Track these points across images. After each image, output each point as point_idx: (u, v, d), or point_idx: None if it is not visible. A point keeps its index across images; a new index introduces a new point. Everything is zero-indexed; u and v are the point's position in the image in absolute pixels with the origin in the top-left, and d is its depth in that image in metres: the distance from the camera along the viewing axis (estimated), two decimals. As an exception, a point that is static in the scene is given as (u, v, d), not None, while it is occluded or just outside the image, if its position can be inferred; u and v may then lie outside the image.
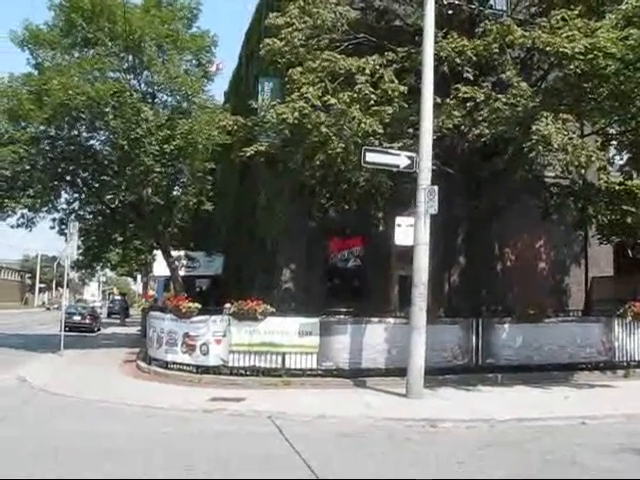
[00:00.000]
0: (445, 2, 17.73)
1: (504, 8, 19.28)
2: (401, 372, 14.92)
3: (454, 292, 20.17)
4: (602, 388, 16.27)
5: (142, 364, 18.75)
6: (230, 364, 16.39)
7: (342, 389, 15.47)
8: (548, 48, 15.16)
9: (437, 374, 16.01)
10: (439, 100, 15.78)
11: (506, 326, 17.65)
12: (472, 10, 18.64)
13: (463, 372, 16.85)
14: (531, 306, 17.76)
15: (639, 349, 18.56)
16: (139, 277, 75.47)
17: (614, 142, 19.03)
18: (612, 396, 15.18)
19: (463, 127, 16.06)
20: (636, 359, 18.54)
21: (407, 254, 15.23)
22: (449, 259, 20.23)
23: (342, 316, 17.40)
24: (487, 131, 15.61)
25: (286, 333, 16.30)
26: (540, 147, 14.97)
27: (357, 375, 16.28)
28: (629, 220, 19.27)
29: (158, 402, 13.37)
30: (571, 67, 14.93)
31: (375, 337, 16.59)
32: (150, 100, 24.01)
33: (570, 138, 14.66)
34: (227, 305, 16.78)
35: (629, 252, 22.72)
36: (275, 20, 17.70)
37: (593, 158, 15.23)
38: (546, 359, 17.64)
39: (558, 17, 15.64)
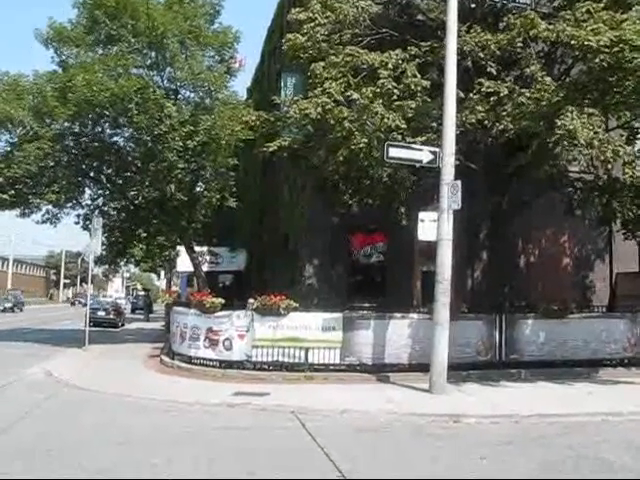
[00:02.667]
0: (468, -4, 17.74)
1: (528, 1, 19.18)
2: (424, 367, 14.90)
3: (477, 288, 20.12)
4: (626, 385, 16.10)
5: (166, 359, 18.87)
6: (253, 359, 16.45)
7: (365, 384, 15.46)
8: (573, 41, 14.97)
9: (460, 370, 15.96)
10: (462, 95, 15.68)
11: (530, 322, 17.57)
12: (495, 3, 18.51)
13: (486, 368, 16.79)
14: (555, 302, 17.67)
15: (666, 345, 18.35)
16: (162, 273, 75.91)
17: (640, 136, 18.88)
18: (637, 392, 15.04)
19: (486, 122, 15.91)
20: (663, 355, 18.34)
21: (430, 250, 15.21)
22: (472, 255, 20.17)
23: (365, 311, 17.40)
24: (511, 126, 15.46)
25: (309, 328, 16.32)
26: (565, 142, 14.87)
27: (380, 370, 16.24)
28: (659, 214, 19.09)
29: (182, 396, 13.45)
30: (596, 60, 14.71)
31: (398, 332, 16.56)
32: (173, 96, 24.13)
33: (596, 132, 14.47)
34: (250, 300, 16.81)
35: (656, 247, 22.49)
36: (297, 15, 17.70)
37: (620, 153, 15.05)
38: (570, 355, 17.55)
39: (583, 10, 15.43)
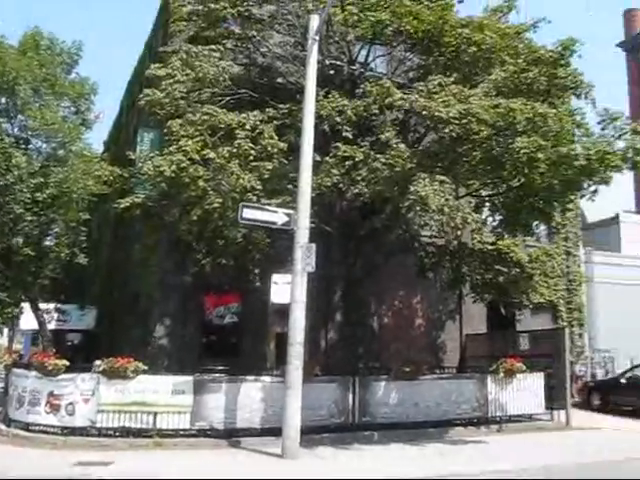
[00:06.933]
0: (327, 62, 18.16)
1: (384, 71, 19.90)
2: (277, 431, 14.58)
3: (331, 349, 20.14)
4: (476, 444, 16.47)
5: (1, 427, 17.53)
6: (98, 425, 15.52)
7: (216, 450, 14.95)
8: (425, 112, 15.57)
9: (314, 433, 15.72)
10: (319, 158, 15.88)
11: (382, 384, 17.69)
12: (353, 71, 19.11)
13: (340, 431, 16.67)
14: (407, 363, 17.94)
15: (511, 404, 19.02)
16: (6, 330, 71.79)
17: (487, 204, 19.69)
18: (485, 451, 15.42)
19: (342, 185, 16.18)
20: (509, 414, 19.02)
21: (285, 311, 15.05)
22: (327, 316, 20.24)
23: (217, 374, 16.94)
24: (365, 190, 15.77)
25: (158, 392, 15.62)
26: (417, 207, 15.25)
27: (232, 435, 15.76)
28: (500, 279, 19.86)
29: (15, 468, 12.43)
30: (446, 130, 15.41)
31: (251, 396, 16.18)
32: (23, 146, 23.04)
33: (446, 199, 14.97)
34: (97, 362, 15.99)
35: (501, 310, 23.39)
36: (156, 71, 17.49)
37: (469, 220, 15.64)
38: (422, 416, 17.76)
39: (435, 82, 16.23)
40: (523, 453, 15.01)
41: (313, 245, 14.13)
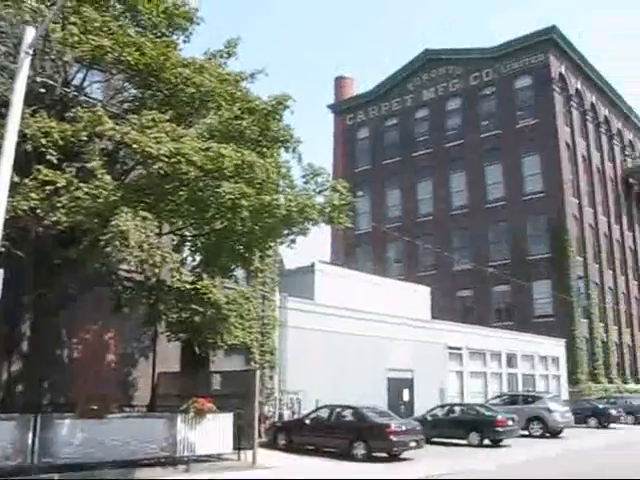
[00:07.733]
0: (39, 80, 17.26)
1: (100, 98, 19.38)
2: None
3: (14, 383, 18.80)
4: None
5: None
6: None
7: None
8: (135, 145, 15.40)
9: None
10: (17, 179, 14.95)
11: (67, 422, 16.94)
12: (67, 93, 18.36)
13: (17, 474, 15.60)
14: (95, 401, 17.41)
15: (201, 443, 19.23)
16: None
17: (188, 243, 19.88)
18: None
19: (40, 211, 15.37)
20: (197, 453, 19.25)
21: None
22: (11, 347, 18.88)
23: None
24: (65, 218, 15.12)
25: None
26: (117, 242, 14.92)
27: None
28: (197, 319, 20.05)
29: None
30: (155, 167, 15.37)
31: None
32: None
33: (147, 236, 14.88)
34: None
35: (195, 349, 23.55)
36: None
37: (167, 259, 15.66)
38: (109, 456, 17.27)
39: (149, 117, 16.16)
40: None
41: (1, 271, 13.17)
